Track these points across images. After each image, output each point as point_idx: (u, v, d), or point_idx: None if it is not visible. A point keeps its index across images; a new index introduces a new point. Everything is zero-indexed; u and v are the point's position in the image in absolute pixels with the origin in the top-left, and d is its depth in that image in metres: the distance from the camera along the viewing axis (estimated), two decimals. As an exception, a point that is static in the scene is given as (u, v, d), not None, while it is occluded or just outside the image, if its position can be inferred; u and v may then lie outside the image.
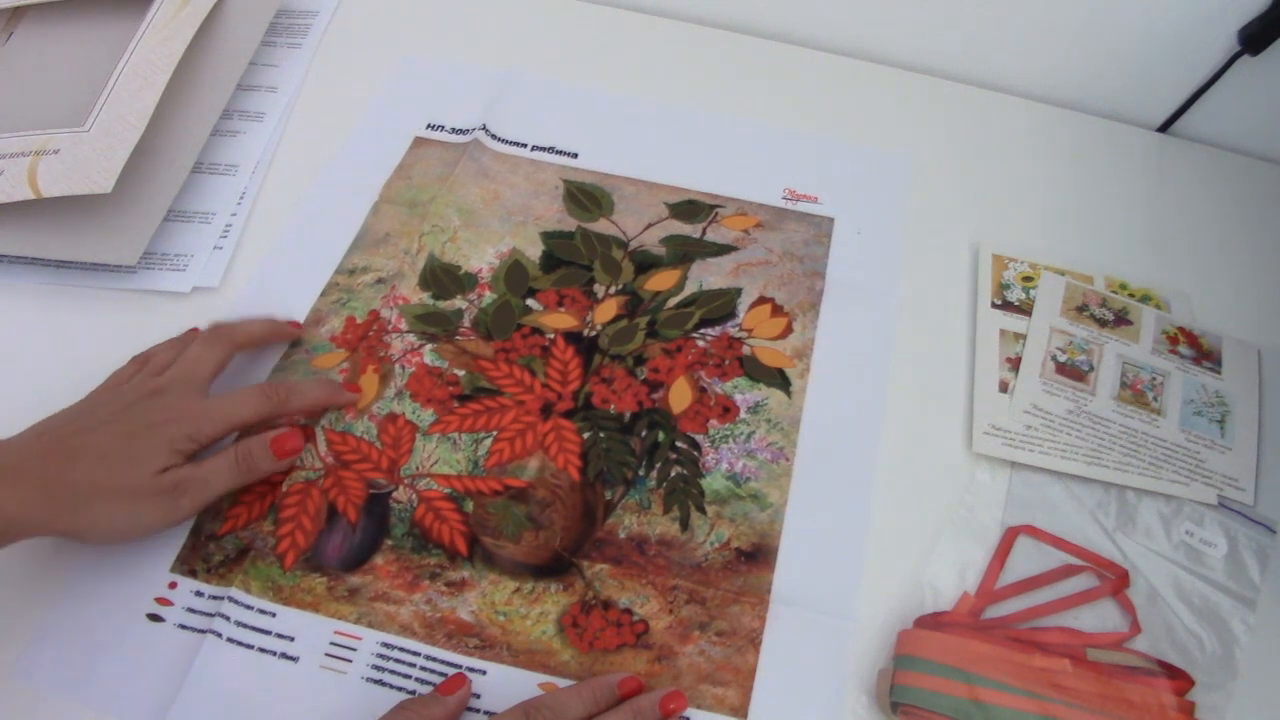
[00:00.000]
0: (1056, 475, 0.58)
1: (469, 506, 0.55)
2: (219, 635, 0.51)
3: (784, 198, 0.69)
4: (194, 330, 0.60)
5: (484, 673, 0.50)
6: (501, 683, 0.50)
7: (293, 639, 0.51)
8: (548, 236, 0.66)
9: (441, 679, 0.50)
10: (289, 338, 0.61)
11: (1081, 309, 0.64)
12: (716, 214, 0.68)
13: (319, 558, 0.53)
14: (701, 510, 0.55)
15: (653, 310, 0.63)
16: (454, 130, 0.71)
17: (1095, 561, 0.55)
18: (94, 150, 0.62)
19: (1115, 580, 0.54)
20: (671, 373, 0.60)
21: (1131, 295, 0.66)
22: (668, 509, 0.55)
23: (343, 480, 0.56)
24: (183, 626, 0.51)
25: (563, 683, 0.50)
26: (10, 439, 0.50)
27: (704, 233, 0.67)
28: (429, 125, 0.72)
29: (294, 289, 0.63)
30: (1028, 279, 0.66)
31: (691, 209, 0.68)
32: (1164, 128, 0.76)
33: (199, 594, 0.52)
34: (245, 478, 0.54)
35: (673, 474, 0.57)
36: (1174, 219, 0.71)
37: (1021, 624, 0.53)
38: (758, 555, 0.54)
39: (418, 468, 0.56)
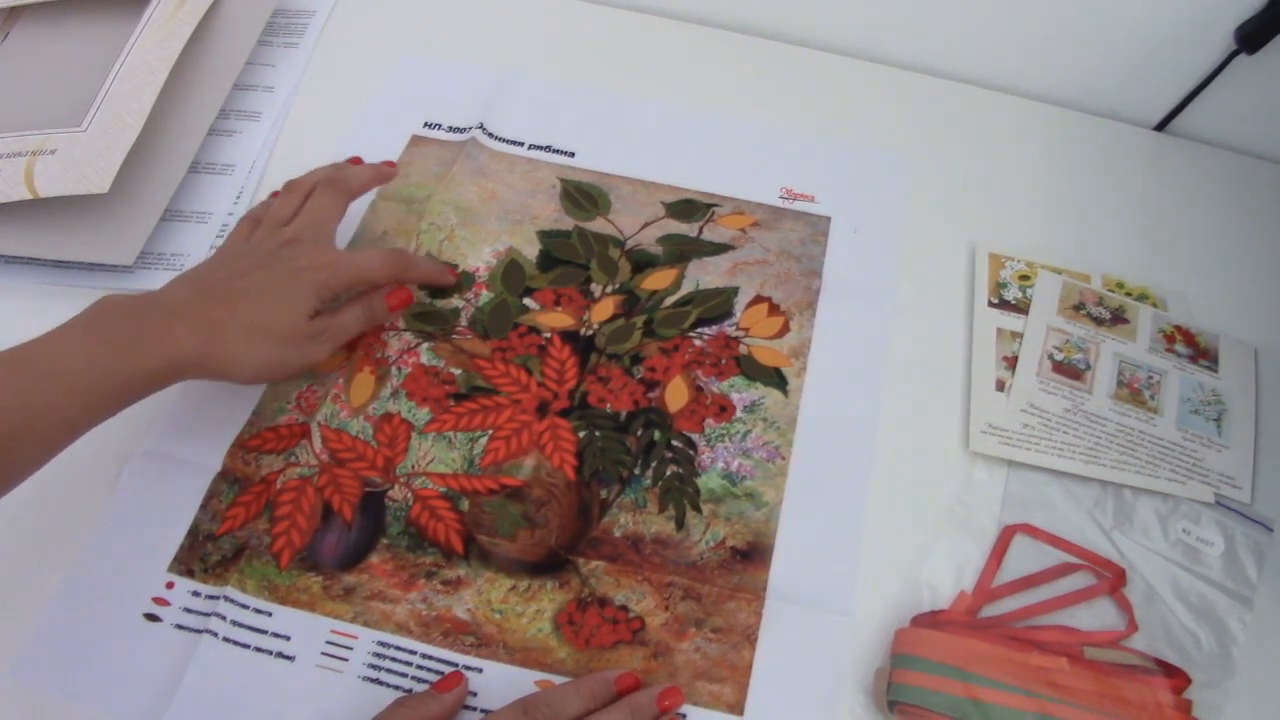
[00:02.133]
0: (1054, 474, 0.58)
1: (465, 505, 0.55)
2: (215, 635, 0.51)
3: (781, 197, 0.69)
4: (276, 193, 0.62)
5: (480, 670, 0.50)
6: (498, 680, 0.50)
7: (289, 638, 0.51)
8: (545, 235, 0.66)
9: (438, 677, 0.50)
10: (390, 177, 0.65)
11: (1078, 308, 0.64)
12: (713, 213, 0.68)
13: (315, 557, 0.53)
14: (697, 509, 0.55)
15: (649, 309, 0.63)
16: (451, 129, 0.71)
17: (1092, 560, 0.55)
18: (91, 150, 0.62)
19: (1112, 579, 0.54)
20: (668, 372, 0.60)
21: (1128, 294, 0.66)
22: (663, 508, 0.55)
23: (338, 478, 0.56)
24: (179, 626, 0.51)
25: (559, 680, 0.50)
26: (168, 287, 0.53)
27: (701, 232, 0.67)
28: (426, 124, 0.72)
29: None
30: (1024, 278, 0.66)
31: (688, 208, 0.68)
32: (1161, 126, 0.76)
33: (196, 594, 0.52)
34: (369, 324, 0.59)
35: (668, 473, 0.57)
36: (1171, 218, 0.71)
37: (1019, 622, 0.53)
38: (753, 554, 0.54)
39: (413, 466, 0.56)
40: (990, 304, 0.64)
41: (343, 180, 0.60)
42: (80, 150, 0.62)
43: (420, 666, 0.51)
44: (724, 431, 0.58)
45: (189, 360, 0.50)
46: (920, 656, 0.50)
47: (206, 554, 0.53)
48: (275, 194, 0.63)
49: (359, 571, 0.53)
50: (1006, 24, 0.73)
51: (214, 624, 0.51)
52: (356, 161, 0.65)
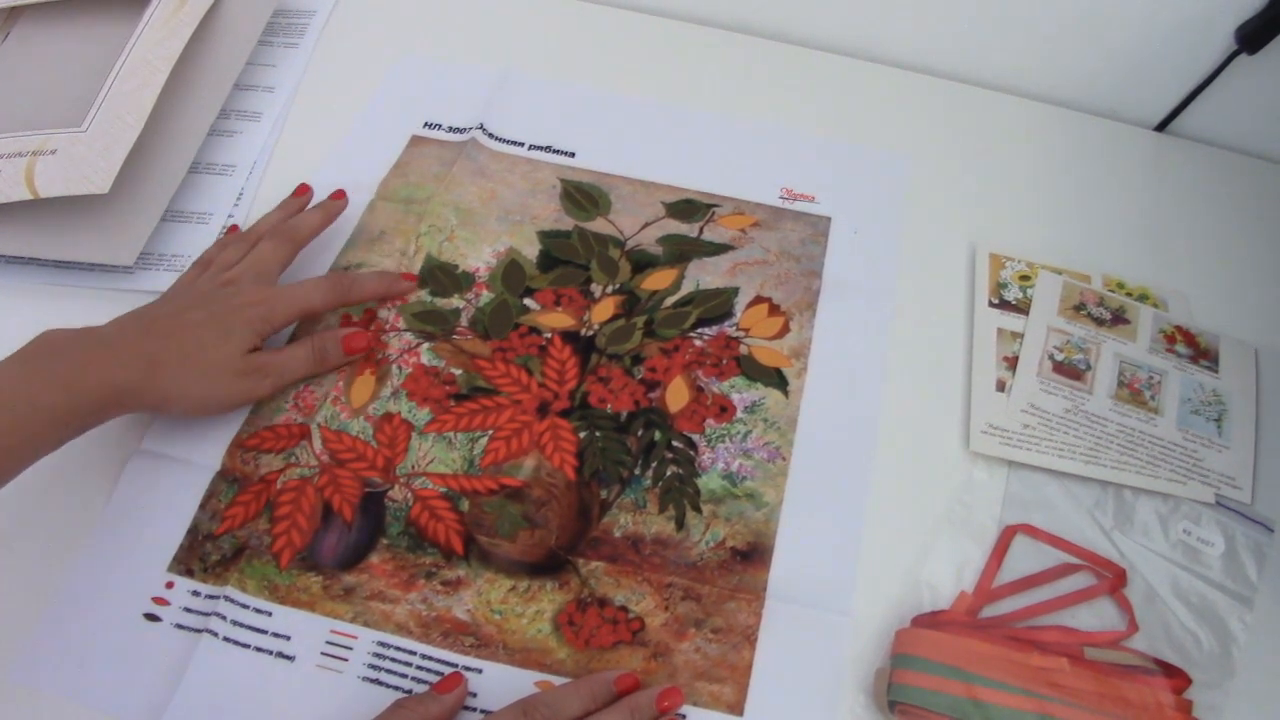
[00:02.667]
0: (1054, 474, 0.58)
1: (464, 505, 0.55)
2: (215, 635, 0.51)
3: (781, 197, 0.69)
4: (234, 228, 0.64)
5: (480, 671, 0.50)
6: (498, 681, 0.50)
7: (289, 638, 0.51)
8: (545, 236, 0.66)
9: (438, 678, 0.50)
10: (339, 211, 0.65)
11: (1079, 308, 0.64)
12: (714, 213, 0.68)
13: (315, 557, 0.53)
14: (697, 509, 0.55)
15: (650, 310, 0.63)
16: (451, 129, 0.71)
17: (1093, 560, 0.55)
18: (91, 150, 0.62)
19: (1113, 579, 0.54)
20: (668, 372, 0.60)
21: (1129, 294, 0.66)
22: (663, 508, 0.55)
23: (338, 479, 0.56)
24: (179, 626, 0.51)
25: (559, 681, 0.50)
26: (110, 322, 0.54)
27: (701, 232, 0.67)
28: (426, 124, 0.72)
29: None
30: (1025, 278, 0.66)
31: (689, 208, 0.68)
32: (1161, 127, 0.76)
33: (195, 593, 0.52)
34: (319, 368, 0.59)
35: (668, 473, 0.56)
36: (1171, 218, 0.70)
37: (1019, 623, 0.53)
38: (753, 554, 0.54)
39: (413, 467, 0.56)
40: (991, 304, 0.64)
41: (289, 230, 0.61)
42: (81, 150, 0.62)
43: (420, 667, 0.51)
44: (724, 432, 0.58)
45: (126, 392, 0.51)
46: (921, 657, 0.50)
47: (206, 554, 0.53)
48: (234, 228, 0.64)
49: (359, 571, 0.53)
50: (1007, 24, 0.73)
51: (214, 624, 0.51)
52: (303, 190, 0.65)
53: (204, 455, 0.56)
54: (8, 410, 0.47)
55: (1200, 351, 0.63)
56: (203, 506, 0.55)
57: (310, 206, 0.65)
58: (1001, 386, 0.61)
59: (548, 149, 0.71)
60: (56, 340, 0.50)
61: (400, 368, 0.60)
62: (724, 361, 0.61)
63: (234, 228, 0.65)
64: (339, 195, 0.65)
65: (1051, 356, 0.62)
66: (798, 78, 0.77)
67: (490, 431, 0.58)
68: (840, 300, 0.64)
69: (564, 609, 0.52)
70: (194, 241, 0.65)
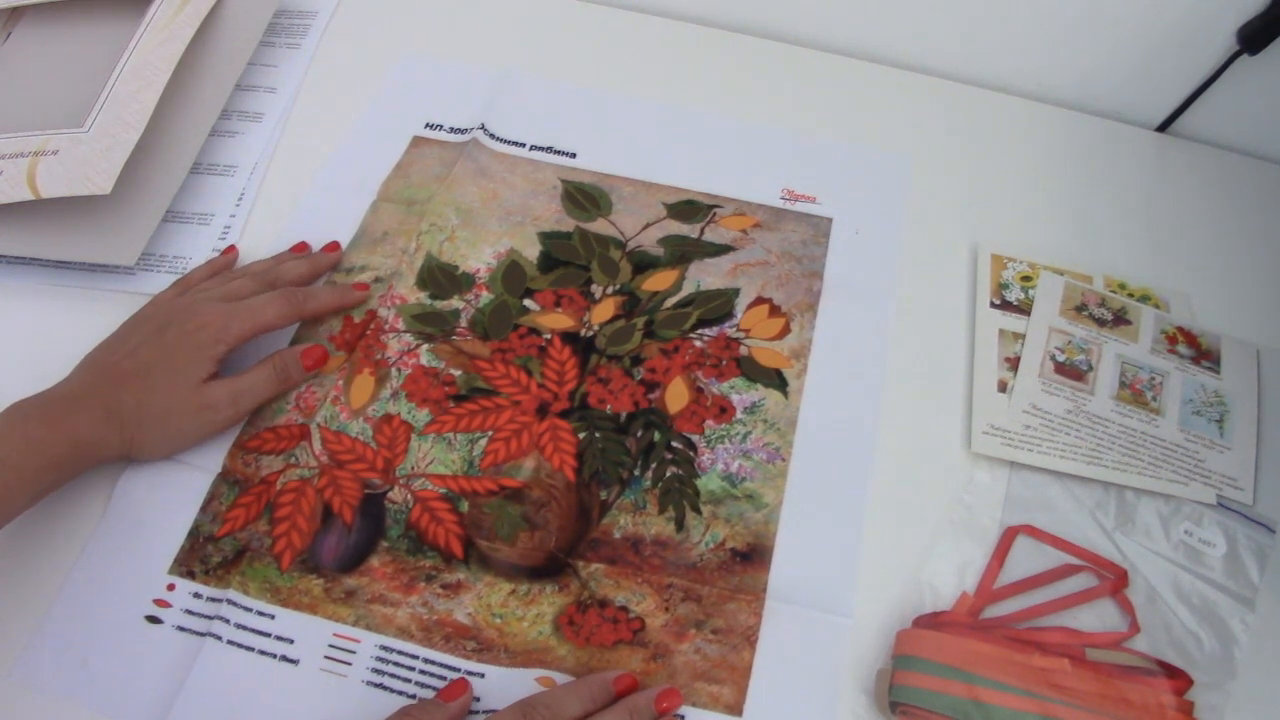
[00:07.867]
0: (1055, 475, 0.58)
1: (464, 506, 0.55)
2: (219, 637, 0.51)
3: (782, 198, 0.69)
4: (232, 248, 0.64)
5: (482, 676, 0.50)
6: (500, 685, 0.50)
7: (292, 641, 0.51)
8: (545, 237, 0.66)
9: (441, 682, 0.50)
10: (329, 265, 0.64)
11: (1080, 309, 0.64)
12: (715, 214, 0.68)
13: (315, 559, 0.53)
14: (697, 510, 0.55)
15: (650, 310, 0.63)
16: (452, 130, 0.72)
17: (1094, 561, 0.55)
18: (93, 151, 0.62)
19: (1114, 580, 0.54)
20: (668, 373, 0.60)
21: (1130, 295, 0.65)
22: (663, 509, 0.55)
23: (337, 480, 0.56)
24: (181, 629, 0.51)
25: (560, 678, 0.50)
26: (69, 376, 0.54)
27: (702, 233, 0.67)
28: (427, 124, 0.72)
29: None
30: (1026, 279, 0.65)
31: (689, 209, 0.68)
32: (1163, 127, 0.76)
33: (197, 595, 0.52)
34: (281, 386, 0.58)
35: (668, 474, 0.56)
36: (1173, 219, 0.70)
37: (1021, 624, 0.53)
38: (753, 555, 0.54)
39: (413, 468, 0.56)
40: (992, 305, 0.64)
41: (270, 273, 0.61)
42: (82, 151, 0.62)
43: (423, 671, 0.51)
44: (724, 433, 0.58)
45: (92, 445, 0.52)
46: (922, 658, 0.50)
47: (207, 555, 0.53)
48: (231, 249, 0.64)
49: (360, 574, 0.53)
50: (1009, 24, 0.73)
51: (217, 627, 0.51)
52: (301, 248, 0.64)
53: (205, 458, 0.56)
54: None
55: (1202, 352, 0.63)
56: (204, 509, 0.55)
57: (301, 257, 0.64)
58: (1003, 387, 0.60)
59: (549, 149, 0.71)
60: (25, 405, 0.51)
61: (399, 369, 0.60)
62: (724, 362, 0.61)
63: (231, 248, 0.64)
64: (332, 248, 0.65)
65: (1053, 357, 0.62)
66: (798, 78, 0.76)
67: (490, 432, 0.58)
68: (841, 301, 0.64)
69: (564, 611, 0.52)
70: (195, 242, 0.65)
